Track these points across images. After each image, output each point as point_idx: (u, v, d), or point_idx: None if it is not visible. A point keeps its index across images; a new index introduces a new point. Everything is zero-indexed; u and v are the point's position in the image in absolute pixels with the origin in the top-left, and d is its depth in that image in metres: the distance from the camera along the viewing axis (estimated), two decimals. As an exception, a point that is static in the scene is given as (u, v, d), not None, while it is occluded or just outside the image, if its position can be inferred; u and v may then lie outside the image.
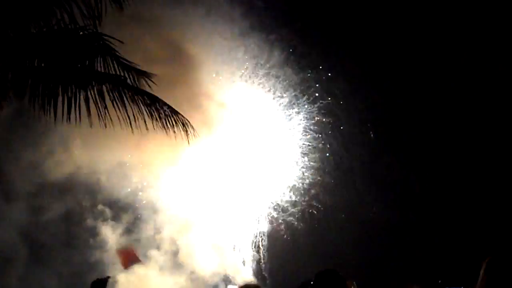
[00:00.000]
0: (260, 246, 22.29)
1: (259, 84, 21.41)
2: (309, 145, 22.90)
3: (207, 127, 18.62)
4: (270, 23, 21.26)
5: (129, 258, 6.82)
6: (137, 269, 19.91)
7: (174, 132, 5.61)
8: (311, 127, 22.98)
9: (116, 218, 17.60)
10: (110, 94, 5.43)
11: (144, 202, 19.64)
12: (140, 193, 19.71)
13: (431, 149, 21.91)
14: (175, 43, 18.50)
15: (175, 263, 19.40)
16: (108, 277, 6.46)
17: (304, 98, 22.59)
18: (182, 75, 17.63)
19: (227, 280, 21.15)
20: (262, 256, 21.97)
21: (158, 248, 19.66)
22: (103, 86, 5.42)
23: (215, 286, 20.49)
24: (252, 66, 22.20)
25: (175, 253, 19.61)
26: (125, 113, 5.43)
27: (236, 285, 20.33)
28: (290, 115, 22.53)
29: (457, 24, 19.64)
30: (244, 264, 21.53)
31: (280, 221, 22.24)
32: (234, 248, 21.66)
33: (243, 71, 21.48)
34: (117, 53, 5.40)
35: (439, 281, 20.73)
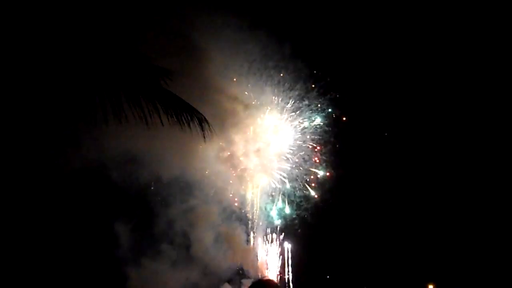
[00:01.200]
0: (276, 242, 22.54)
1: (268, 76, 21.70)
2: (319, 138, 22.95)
3: (218, 120, 18.82)
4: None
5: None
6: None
7: (190, 127, 5.56)
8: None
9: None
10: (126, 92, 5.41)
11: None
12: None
13: (441, 146, 21.84)
14: (184, 35, 18.69)
15: (188, 257, 19.94)
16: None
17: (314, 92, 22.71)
18: (192, 68, 17.88)
19: (242, 275, 21.58)
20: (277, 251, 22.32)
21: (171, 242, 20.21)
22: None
23: (230, 280, 20.97)
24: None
25: (188, 247, 20.23)
26: (140, 109, 5.41)
27: (250, 278, 20.68)
28: (300, 107, 22.65)
29: (458, 24, 19.54)
30: (258, 259, 21.97)
31: (293, 216, 22.43)
32: (247, 242, 22.06)
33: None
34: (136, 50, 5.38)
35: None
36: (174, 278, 19.26)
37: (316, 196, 22.38)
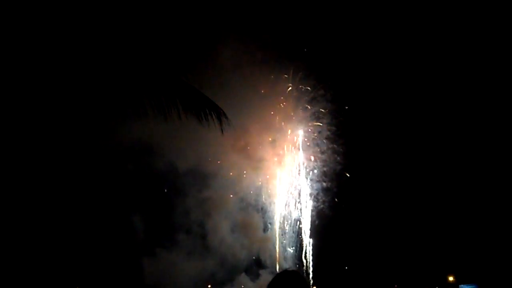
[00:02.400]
0: (292, 233, 22.39)
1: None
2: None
3: (237, 109, 18.65)
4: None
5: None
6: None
7: (207, 120, 5.56)
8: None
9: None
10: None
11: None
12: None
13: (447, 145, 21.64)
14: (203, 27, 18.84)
15: (205, 247, 20.03)
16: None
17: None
18: (211, 59, 18.04)
19: (259, 264, 21.50)
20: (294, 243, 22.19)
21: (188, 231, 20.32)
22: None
23: (247, 269, 20.95)
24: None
25: (204, 237, 20.29)
26: (160, 104, 5.45)
27: (268, 268, 20.66)
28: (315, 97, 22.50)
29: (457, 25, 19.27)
30: (276, 249, 21.84)
31: (311, 208, 22.28)
32: (264, 231, 21.94)
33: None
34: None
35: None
36: (191, 268, 19.37)
37: (333, 188, 22.23)
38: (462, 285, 23.23)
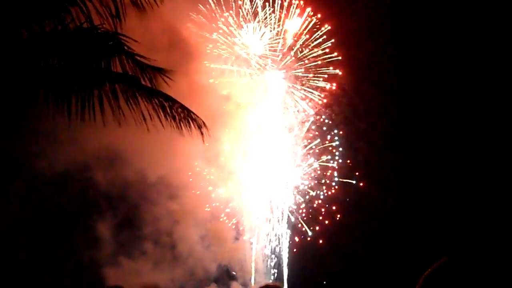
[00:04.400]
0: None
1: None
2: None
3: (210, 119, 18.84)
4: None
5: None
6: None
7: (189, 131, 5.62)
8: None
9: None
10: (124, 93, 5.44)
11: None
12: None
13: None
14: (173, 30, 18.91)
15: (175, 256, 19.81)
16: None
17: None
18: (182, 65, 18.01)
19: (231, 275, 21.35)
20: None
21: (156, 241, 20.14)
22: (116, 85, 5.43)
23: (216, 279, 20.85)
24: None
25: (174, 247, 20.04)
26: (140, 112, 5.46)
27: (237, 280, 20.63)
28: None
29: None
30: (246, 259, 21.85)
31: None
32: (236, 239, 21.96)
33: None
34: (132, 51, 5.40)
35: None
36: (159, 279, 19.18)
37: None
38: None
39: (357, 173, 21.70)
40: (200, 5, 20.29)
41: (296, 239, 22.68)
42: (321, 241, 21.56)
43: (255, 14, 22.32)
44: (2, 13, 5.21)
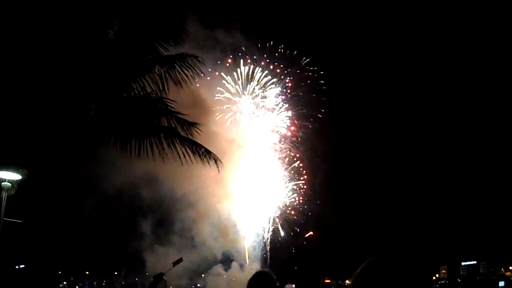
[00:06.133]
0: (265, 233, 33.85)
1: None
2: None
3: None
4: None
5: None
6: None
7: (209, 164, 8.35)
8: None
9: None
10: (166, 140, 8.17)
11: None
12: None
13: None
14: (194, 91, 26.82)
15: (193, 245, 29.91)
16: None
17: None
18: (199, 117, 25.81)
19: (231, 259, 32.53)
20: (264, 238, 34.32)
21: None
22: (161, 134, 8.16)
23: (221, 261, 31.71)
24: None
25: (192, 239, 30.37)
26: (176, 152, 8.19)
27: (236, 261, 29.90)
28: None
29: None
30: (245, 246, 32.97)
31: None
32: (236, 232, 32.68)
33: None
34: (174, 110, 8.13)
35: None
36: (184, 258, 26.74)
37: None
38: (463, 262, 28.45)
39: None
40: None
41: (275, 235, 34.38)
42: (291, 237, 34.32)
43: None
44: (87, 86, 7.95)
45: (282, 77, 33.16)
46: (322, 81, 32.67)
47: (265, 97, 33.58)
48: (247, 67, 32.90)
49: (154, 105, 8.15)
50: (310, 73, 33.36)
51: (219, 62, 31.63)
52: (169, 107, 8.17)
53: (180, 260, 9.57)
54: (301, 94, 33.47)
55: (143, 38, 8.03)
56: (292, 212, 34.01)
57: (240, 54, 32.36)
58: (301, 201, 33.98)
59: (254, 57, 32.41)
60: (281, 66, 33.02)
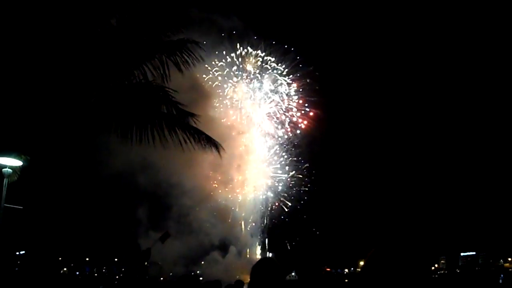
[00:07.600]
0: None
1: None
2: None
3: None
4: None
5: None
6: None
7: (211, 150, 8.37)
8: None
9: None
10: (167, 127, 8.17)
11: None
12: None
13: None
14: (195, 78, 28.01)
15: (190, 230, 30.58)
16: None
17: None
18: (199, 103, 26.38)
19: (228, 244, 33.28)
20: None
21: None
22: (162, 121, 8.16)
23: (219, 247, 32.48)
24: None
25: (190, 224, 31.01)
26: (177, 139, 8.19)
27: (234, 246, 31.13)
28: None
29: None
30: (242, 232, 33.83)
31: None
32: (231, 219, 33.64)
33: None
34: (174, 99, 8.12)
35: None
36: (178, 247, 26.93)
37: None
38: (462, 253, 29.06)
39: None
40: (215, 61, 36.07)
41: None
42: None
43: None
44: (88, 74, 7.93)
45: (279, 64, 34.21)
46: (317, 73, 33.92)
47: (261, 82, 34.52)
48: (244, 51, 33.77)
49: (155, 92, 8.13)
50: (304, 65, 34.55)
51: (217, 52, 33.82)
52: (170, 96, 8.16)
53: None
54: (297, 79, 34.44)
55: (145, 25, 7.98)
56: (292, 198, 34.92)
57: (238, 40, 33.91)
58: (301, 188, 34.65)
59: (252, 43, 33.26)
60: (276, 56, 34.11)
